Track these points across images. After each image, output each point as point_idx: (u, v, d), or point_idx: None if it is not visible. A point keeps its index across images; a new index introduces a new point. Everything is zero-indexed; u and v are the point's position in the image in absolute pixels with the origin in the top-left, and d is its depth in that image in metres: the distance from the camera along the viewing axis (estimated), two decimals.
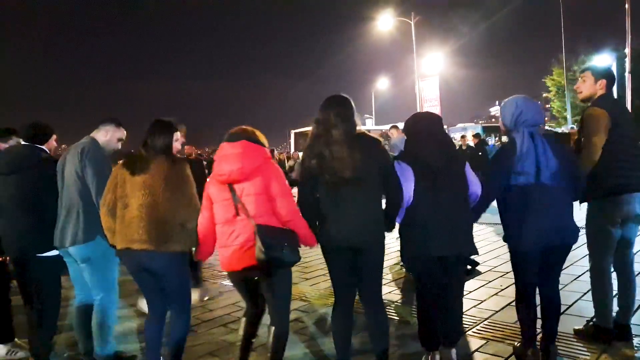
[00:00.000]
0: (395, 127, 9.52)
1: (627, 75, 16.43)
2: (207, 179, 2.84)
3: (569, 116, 25.71)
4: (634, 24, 16.36)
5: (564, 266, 2.97)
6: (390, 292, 4.70)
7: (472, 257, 5.42)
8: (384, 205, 2.75)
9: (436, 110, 25.15)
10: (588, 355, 3.07)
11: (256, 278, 2.75)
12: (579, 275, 4.74)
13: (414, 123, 2.96)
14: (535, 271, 2.86)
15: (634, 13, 16.00)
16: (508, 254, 2.99)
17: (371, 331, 2.83)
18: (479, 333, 3.55)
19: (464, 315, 3.80)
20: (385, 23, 26.38)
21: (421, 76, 26.77)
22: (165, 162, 2.77)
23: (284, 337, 2.72)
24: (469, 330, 3.60)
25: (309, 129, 2.94)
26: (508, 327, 3.57)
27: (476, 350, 3.26)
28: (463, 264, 2.87)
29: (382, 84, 44.65)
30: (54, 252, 3.16)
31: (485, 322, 3.74)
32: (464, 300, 3.35)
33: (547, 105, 41.57)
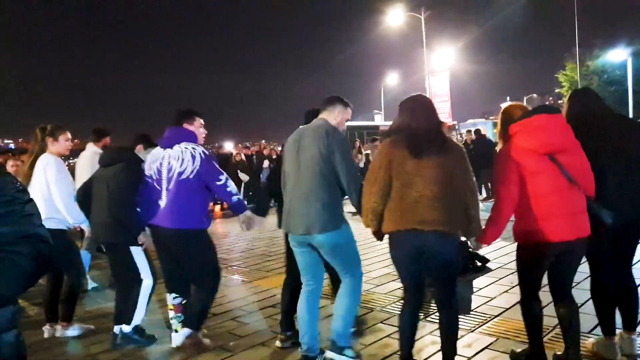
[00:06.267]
0: None
1: None
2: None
3: None
4: None
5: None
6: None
7: (482, 254, 5.40)
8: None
9: (446, 106, 25.01)
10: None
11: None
12: None
13: None
14: None
15: None
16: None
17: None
18: (489, 330, 3.54)
19: (473, 313, 3.80)
20: (395, 18, 26.23)
21: (431, 71, 26.61)
22: (452, 144, 2.65)
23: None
24: (478, 327, 3.59)
25: None
26: (518, 325, 3.55)
27: (486, 347, 3.25)
28: None
29: (391, 79, 44.42)
30: None
31: (496, 320, 3.72)
32: (473, 297, 3.31)
33: (560, 101, 41.11)
